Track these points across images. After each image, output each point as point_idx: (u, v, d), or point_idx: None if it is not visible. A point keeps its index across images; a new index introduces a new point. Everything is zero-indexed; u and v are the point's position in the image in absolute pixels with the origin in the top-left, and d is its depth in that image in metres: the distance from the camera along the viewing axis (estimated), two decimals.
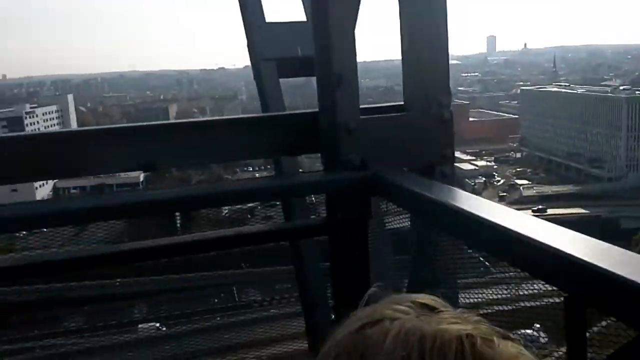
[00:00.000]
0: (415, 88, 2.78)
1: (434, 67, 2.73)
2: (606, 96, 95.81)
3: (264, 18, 3.88)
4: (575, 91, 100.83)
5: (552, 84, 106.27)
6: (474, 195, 2.33)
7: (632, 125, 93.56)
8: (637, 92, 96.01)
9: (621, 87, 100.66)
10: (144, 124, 2.75)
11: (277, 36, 3.90)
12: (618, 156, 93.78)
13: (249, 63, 4.09)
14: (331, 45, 2.62)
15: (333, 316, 3.07)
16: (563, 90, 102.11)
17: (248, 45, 4.01)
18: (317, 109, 2.88)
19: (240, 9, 3.93)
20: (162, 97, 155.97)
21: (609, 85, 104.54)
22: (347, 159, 2.64)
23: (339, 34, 2.61)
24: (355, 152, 2.64)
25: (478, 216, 1.90)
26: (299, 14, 4.29)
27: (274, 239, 3.14)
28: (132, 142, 2.67)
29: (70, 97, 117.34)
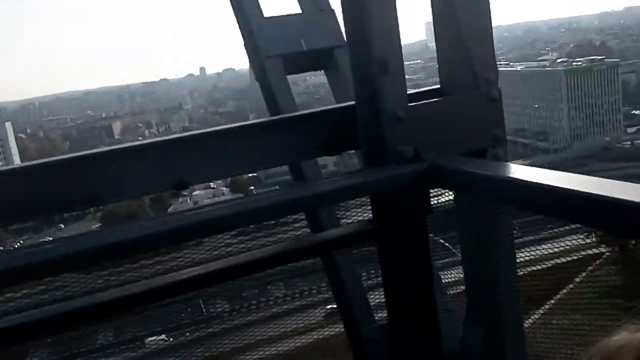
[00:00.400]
0: (458, 67, 2.57)
1: (478, 41, 2.52)
2: (545, 70, 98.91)
3: (262, 14, 3.61)
4: (515, 68, 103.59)
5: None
6: (551, 170, 2.17)
7: (572, 96, 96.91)
8: (573, 64, 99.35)
9: (558, 60, 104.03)
10: (170, 137, 2.45)
11: (278, 31, 3.64)
12: (561, 127, 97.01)
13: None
14: (371, 30, 2.38)
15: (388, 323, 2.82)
16: (503, 68, 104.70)
17: (246, 45, 3.72)
18: (352, 102, 2.66)
19: (233, 8, 3.65)
20: (104, 115, 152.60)
21: (546, 60, 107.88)
22: (397, 151, 2.42)
23: (379, 17, 2.38)
24: (406, 143, 2.42)
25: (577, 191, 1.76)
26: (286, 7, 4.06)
27: (314, 253, 2.91)
28: (160, 159, 2.37)
29: (8, 125, 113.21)
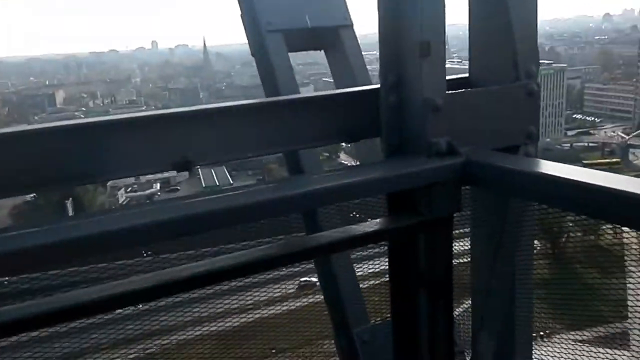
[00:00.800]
0: (500, 56, 2.36)
1: (524, 29, 2.31)
2: None
3: None
4: (466, 67, 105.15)
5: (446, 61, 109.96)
6: (596, 170, 2.01)
7: None
8: None
9: None
10: (175, 110, 2.13)
11: (281, 4, 3.32)
12: None
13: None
14: (414, 6, 2.13)
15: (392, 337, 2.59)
16: (457, 66, 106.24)
17: (243, 16, 3.39)
18: (374, 86, 2.41)
19: None
20: (47, 82, 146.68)
21: None
22: (431, 142, 2.18)
23: None
24: (440, 134, 2.19)
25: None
26: None
27: (320, 253, 2.65)
28: (162, 134, 2.05)
29: None
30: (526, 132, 2.38)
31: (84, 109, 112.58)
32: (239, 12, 3.47)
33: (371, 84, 3.37)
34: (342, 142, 2.44)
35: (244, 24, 3.44)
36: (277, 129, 2.28)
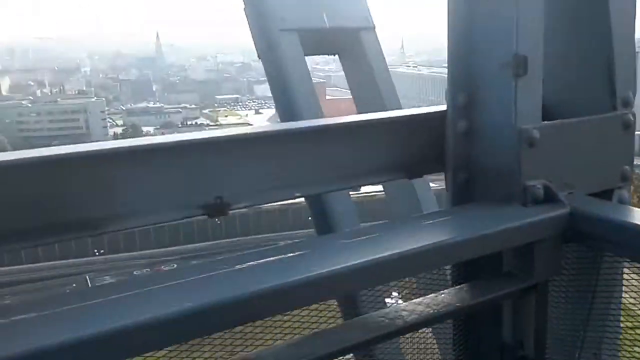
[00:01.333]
0: (593, 81, 1.93)
1: (623, 49, 1.88)
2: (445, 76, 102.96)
3: None
4: (422, 72, 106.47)
5: (401, 65, 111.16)
6: None
7: None
8: None
9: None
10: (205, 134, 1.60)
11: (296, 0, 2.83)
12: None
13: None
14: (511, 12, 1.67)
15: None
16: (410, 71, 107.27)
17: (246, 9, 2.86)
18: (441, 107, 1.93)
19: None
20: None
21: None
22: (525, 187, 1.72)
23: None
24: (534, 176, 1.73)
25: None
26: None
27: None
28: (191, 167, 1.53)
29: None
30: (621, 172, 1.96)
31: (31, 97, 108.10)
32: (242, 5, 2.95)
33: (397, 96, 2.91)
34: (398, 179, 1.95)
35: (248, 20, 2.92)
36: (323, 160, 1.77)
